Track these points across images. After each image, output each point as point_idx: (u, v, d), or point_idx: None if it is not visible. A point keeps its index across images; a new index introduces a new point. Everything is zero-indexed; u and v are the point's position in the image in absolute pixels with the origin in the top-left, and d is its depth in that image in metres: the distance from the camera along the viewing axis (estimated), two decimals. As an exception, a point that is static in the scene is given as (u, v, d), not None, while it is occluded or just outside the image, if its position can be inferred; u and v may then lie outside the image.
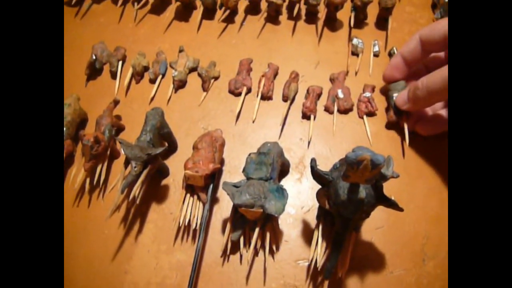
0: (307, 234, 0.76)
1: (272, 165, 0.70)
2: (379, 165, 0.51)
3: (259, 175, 0.70)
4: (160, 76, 0.94)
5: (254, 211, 0.66)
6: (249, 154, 0.72)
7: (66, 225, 0.78)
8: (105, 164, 0.81)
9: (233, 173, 0.82)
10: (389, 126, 0.88)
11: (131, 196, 0.70)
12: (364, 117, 0.88)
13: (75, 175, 0.80)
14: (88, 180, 0.79)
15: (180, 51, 0.97)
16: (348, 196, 0.59)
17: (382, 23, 1.03)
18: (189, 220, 0.73)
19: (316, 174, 0.64)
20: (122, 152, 0.73)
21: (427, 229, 0.77)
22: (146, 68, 0.96)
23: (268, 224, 0.72)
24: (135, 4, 1.05)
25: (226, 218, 0.77)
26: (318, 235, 0.70)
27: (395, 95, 0.86)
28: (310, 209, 0.79)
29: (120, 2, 1.05)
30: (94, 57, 0.94)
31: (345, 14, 1.03)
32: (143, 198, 0.75)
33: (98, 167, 0.79)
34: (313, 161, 0.64)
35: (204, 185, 0.74)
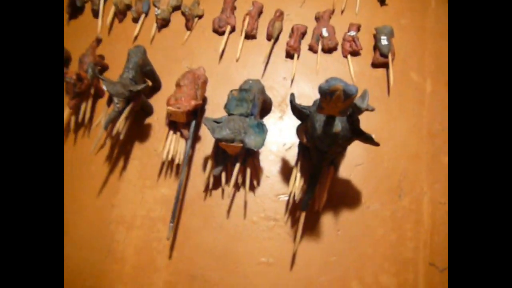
0: (287, 170, 0.78)
1: (253, 102, 0.71)
2: (351, 95, 0.52)
3: (240, 111, 0.71)
4: (143, 15, 0.93)
5: (234, 146, 0.68)
6: (231, 91, 0.73)
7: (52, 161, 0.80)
8: (89, 102, 0.81)
9: (215, 111, 0.83)
10: (374, 66, 0.88)
11: (114, 132, 0.72)
12: (348, 56, 0.88)
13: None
14: (73, 118, 0.80)
15: (163, -12, 0.95)
16: (324, 129, 0.60)
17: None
18: (172, 156, 0.75)
19: (295, 109, 0.65)
20: (104, 88, 0.73)
21: (405, 166, 0.79)
22: (128, 7, 0.94)
23: (249, 160, 0.73)
24: None
25: (208, 154, 0.78)
26: (297, 170, 0.72)
27: (383, 38, 0.86)
28: (292, 146, 0.80)
29: None
30: (75, -5, 0.93)
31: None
32: (128, 136, 0.76)
33: (82, 105, 0.80)
34: (291, 95, 0.65)
35: (186, 122, 0.75)
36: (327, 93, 0.52)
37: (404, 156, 0.80)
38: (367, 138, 0.63)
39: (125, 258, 0.74)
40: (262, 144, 0.68)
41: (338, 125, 0.60)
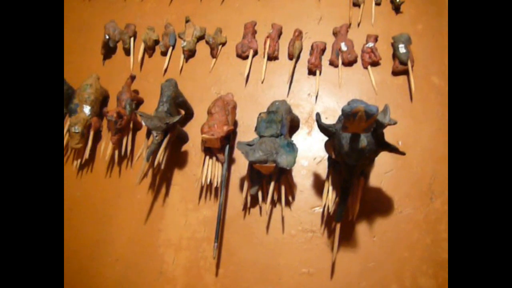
0: (319, 183, 0.82)
1: (281, 122, 0.76)
2: (373, 114, 0.55)
3: (270, 132, 0.75)
4: (170, 48, 0.99)
5: (268, 166, 0.72)
6: (260, 114, 0.77)
7: (101, 194, 0.87)
8: (130, 135, 0.88)
9: (247, 133, 0.88)
10: (395, 74, 0.91)
11: (156, 163, 0.77)
12: (369, 67, 0.91)
13: (104, 149, 0.88)
14: (116, 152, 0.87)
15: (187, 21, 1.01)
16: (350, 145, 0.64)
17: (382, -30, 1.04)
18: (211, 180, 0.80)
19: (321, 127, 0.69)
20: (143, 123, 0.79)
21: (434, 169, 0.81)
22: (156, 42, 1.01)
23: (282, 177, 0.78)
24: (139, -21, 1.09)
25: (243, 175, 0.83)
26: (329, 183, 0.76)
27: (400, 46, 0.89)
28: (322, 160, 0.84)
29: (125, -21, 1.09)
30: (107, 37, 1.00)
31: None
32: (167, 163, 0.81)
33: (123, 140, 0.87)
34: (317, 115, 0.69)
35: (221, 147, 0.80)
36: (350, 115, 0.56)
37: (432, 159, 0.82)
38: (392, 149, 0.67)
39: (176, 278, 0.79)
40: (294, 162, 0.72)
41: (364, 140, 0.64)
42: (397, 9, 0.98)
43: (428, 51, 0.92)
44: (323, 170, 0.83)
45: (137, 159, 0.84)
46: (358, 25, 0.98)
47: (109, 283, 0.81)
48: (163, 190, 0.86)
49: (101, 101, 0.93)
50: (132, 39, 1.01)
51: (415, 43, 0.92)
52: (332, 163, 0.77)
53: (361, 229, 0.77)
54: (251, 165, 0.77)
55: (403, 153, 0.67)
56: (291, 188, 0.80)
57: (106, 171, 0.89)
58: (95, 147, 0.92)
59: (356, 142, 0.64)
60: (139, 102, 0.94)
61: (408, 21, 0.97)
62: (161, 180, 0.86)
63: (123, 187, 0.87)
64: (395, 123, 0.65)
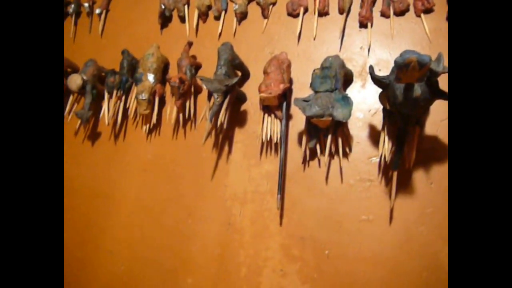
0: (375, 134, 0.84)
1: (335, 77, 0.78)
2: (426, 64, 0.57)
3: (325, 87, 0.78)
4: (223, 12, 1.03)
5: (324, 120, 0.76)
6: (314, 70, 0.80)
7: (170, 155, 0.95)
8: (192, 99, 0.94)
9: (302, 90, 0.91)
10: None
11: (218, 123, 0.83)
12: (422, 15, 0.90)
13: (170, 113, 0.95)
14: (181, 116, 0.93)
15: (237, -16, 1.03)
16: (405, 95, 0.66)
17: None
18: (270, 136, 0.85)
19: (375, 80, 0.71)
20: (204, 87, 0.85)
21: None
22: (209, 7, 1.04)
23: (339, 129, 0.81)
24: None
25: (301, 130, 0.87)
26: (384, 133, 0.78)
27: None
28: (377, 112, 0.86)
29: None
30: (163, 6, 1.05)
31: None
32: (229, 123, 0.87)
33: (187, 103, 0.93)
34: (370, 68, 0.71)
35: (278, 104, 0.84)
36: (403, 66, 0.57)
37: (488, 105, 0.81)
38: (447, 97, 0.67)
39: (243, 228, 0.87)
40: (350, 115, 0.75)
41: (418, 89, 0.65)
42: (450, -49, 0.95)
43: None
44: (378, 122, 0.85)
45: (200, 121, 0.90)
46: (411, -29, 0.96)
47: (181, 237, 0.90)
48: (226, 148, 0.92)
49: (163, 68, 0.99)
50: (186, 6, 1.05)
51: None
52: (387, 114, 0.79)
53: (418, 176, 0.80)
54: (308, 120, 0.80)
55: (458, 100, 0.68)
56: (348, 140, 0.84)
57: (172, 133, 0.97)
58: (161, 112, 0.99)
59: (410, 92, 0.65)
60: (198, 67, 1.00)
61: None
62: (224, 139, 0.93)
63: (190, 147, 0.94)
64: (447, 70, 0.66)
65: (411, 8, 0.92)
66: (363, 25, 0.92)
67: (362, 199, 0.82)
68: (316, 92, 0.79)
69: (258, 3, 1.01)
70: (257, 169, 0.89)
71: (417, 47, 0.89)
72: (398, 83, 0.64)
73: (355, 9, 0.95)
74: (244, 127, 0.93)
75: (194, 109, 0.95)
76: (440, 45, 0.88)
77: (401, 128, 0.71)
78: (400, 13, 0.92)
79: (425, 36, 0.89)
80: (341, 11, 0.95)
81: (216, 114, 0.83)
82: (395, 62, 0.58)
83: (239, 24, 1.02)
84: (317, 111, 0.75)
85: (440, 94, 0.67)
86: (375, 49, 0.91)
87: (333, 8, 0.96)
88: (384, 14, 0.92)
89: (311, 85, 0.80)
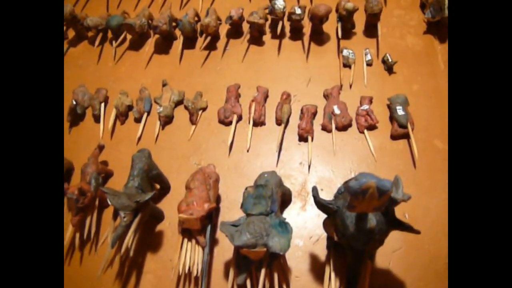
0: (318, 266, 0.70)
1: (271, 198, 0.65)
2: (387, 191, 0.45)
3: (258, 210, 0.64)
4: (145, 114, 0.90)
5: (257, 251, 0.60)
6: (246, 188, 0.66)
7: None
8: (95, 215, 0.75)
9: (231, 209, 0.77)
10: (394, 138, 0.82)
11: (123, 249, 0.65)
12: (365, 131, 0.83)
13: (63, 231, 0.74)
14: (77, 235, 0.74)
15: (164, 85, 0.92)
16: (357, 226, 0.53)
17: (371, 30, 0.99)
18: (190, 267, 0.67)
19: (320, 205, 0.58)
20: (109, 202, 0.68)
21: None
22: (130, 107, 0.92)
23: (275, 262, 0.65)
24: (113, 42, 1.02)
25: (228, 260, 0.71)
26: (330, 268, 0.64)
27: (398, 108, 0.81)
28: (319, 239, 0.73)
29: (97, 43, 1.02)
30: (74, 102, 0.90)
31: (331, 26, 0.99)
32: (138, 247, 0.69)
33: (87, 220, 0.74)
34: (314, 190, 0.58)
35: (202, 227, 0.68)
36: (359, 193, 0.45)
37: (446, 233, 0.71)
38: (406, 228, 0.56)
39: None
40: (288, 246, 0.60)
41: (372, 219, 0.53)
42: (389, 69, 0.92)
43: (427, 113, 0.85)
44: (321, 251, 0.71)
45: (101, 243, 0.71)
46: (350, 86, 0.90)
47: None
48: (133, 280, 0.72)
49: (64, 175, 0.81)
50: (102, 104, 0.91)
51: (412, 105, 0.84)
52: (333, 244, 0.66)
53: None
54: (237, 249, 0.64)
55: (418, 232, 0.57)
56: (285, 275, 0.68)
57: (65, 258, 0.75)
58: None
59: (363, 222, 0.53)
60: (108, 175, 0.83)
61: (402, 81, 0.91)
62: (130, 268, 0.73)
63: (85, 277, 0.73)
64: (409, 198, 0.54)
65: (354, 123, 0.85)
66: (302, 138, 0.83)
67: None
68: (248, 215, 0.64)
69: (186, 107, 0.90)
70: (171, 310, 0.69)
71: (362, 165, 0.80)
72: (351, 211, 0.51)
73: (294, 121, 0.86)
74: (157, 253, 0.74)
75: (96, 228, 0.75)
76: (385, 164, 0.79)
77: (352, 265, 0.58)
78: (343, 128, 0.84)
79: (369, 154, 0.81)
80: (278, 122, 0.86)
81: (121, 238, 0.65)
82: (349, 187, 0.45)
83: (162, 128, 0.89)
84: (248, 239, 0.60)
85: (397, 225, 0.56)
86: (316, 165, 0.80)
87: (270, 118, 0.87)
88: (326, 128, 0.84)
89: (242, 206, 0.65)
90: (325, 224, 0.63)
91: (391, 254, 0.70)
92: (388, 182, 0.45)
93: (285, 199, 0.75)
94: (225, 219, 0.65)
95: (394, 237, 0.70)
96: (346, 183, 0.63)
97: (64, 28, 1.04)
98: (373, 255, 0.68)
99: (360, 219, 0.53)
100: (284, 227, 0.62)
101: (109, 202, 0.67)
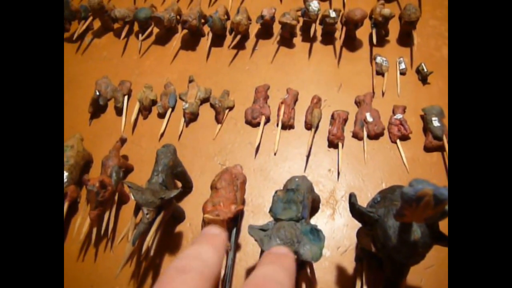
0: (346, 278, 0.66)
1: (302, 203, 0.61)
2: (444, 200, 0.42)
3: (289, 215, 0.60)
4: (169, 110, 0.87)
5: (287, 259, 0.56)
6: (276, 192, 0.63)
7: (69, 283, 0.69)
8: (113, 210, 0.72)
9: (256, 213, 0.73)
10: (428, 150, 0.79)
11: (144, 248, 0.61)
12: (398, 141, 0.80)
13: (80, 225, 0.71)
14: (94, 230, 0.70)
15: (190, 81, 0.89)
16: (400, 237, 0.50)
17: (405, 38, 0.96)
18: (211, 271, 0.63)
19: (359, 212, 0.54)
20: (132, 197, 0.64)
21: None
22: (154, 102, 0.88)
23: (302, 271, 0.62)
24: (139, 35, 1.00)
25: (252, 266, 0.67)
26: (362, 282, 0.60)
27: (434, 119, 0.78)
28: (347, 250, 0.69)
29: (123, 35, 0.99)
30: (97, 93, 0.87)
31: (364, 32, 0.96)
32: (157, 248, 0.65)
33: (105, 215, 0.70)
34: (352, 197, 0.55)
35: (227, 230, 0.64)
36: (413, 200, 0.42)
37: (481, 254, 0.67)
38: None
39: None
40: (321, 255, 0.56)
41: (417, 231, 0.50)
42: (424, 79, 0.89)
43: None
44: (349, 263, 0.68)
45: (119, 240, 0.68)
46: (383, 94, 0.87)
47: None
48: (149, 281, 0.68)
49: (82, 166, 0.77)
50: (126, 97, 0.88)
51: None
52: (366, 256, 0.62)
53: None
54: (264, 254, 0.61)
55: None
56: (312, 286, 0.64)
57: (79, 253, 0.72)
58: (69, 221, 0.75)
59: (407, 232, 0.49)
60: (128, 170, 0.80)
61: (437, 92, 0.87)
62: (147, 269, 0.69)
63: (99, 275, 0.69)
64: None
65: (386, 132, 0.81)
66: (333, 144, 0.79)
67: None
68: (277, 220, 0.61)
69: (212, 105, 0.87)
70: (188, 316, 0.65)
71: (393, 176, 0.76)
72: (399, 221, 0.47)
73: (323, 126, 0.83)
74: (176, 255, 0.70)
75: (113, 224, 0.72)
76: (418, 176, 0.74)
77: (391, 279, 0.54)
78: (375, 136, 0.80)
79: (401, 165, 0.78)
80: (308, 126, 0.82)
81: (142, 236, 0.61)
82: (404, 194, 0.42)
83: (186, 126, 0.86)
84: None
85: (441, 239, 0.52)
86: (346, 173, 0.77)
87: (299, 121, 0.84)
88: (357, 136, 0.81)
89: (271, 210, 0.62)
90: (360, 234, 0.59)
91: (423, 271, 0.66)
92: (446, 190, 0.41)
93: (314, 206, 0.71)
94: (250, 223, 0.61)
95: (427, 254, 0.66)
96: (382, 191, 0.60)
97: (90, 18, 1.01)
98: (408, 271, 0.64)
99: (403, 231, 0.49)
100: (316, 235, 0.58)
101: (132, 197, 0.64)
